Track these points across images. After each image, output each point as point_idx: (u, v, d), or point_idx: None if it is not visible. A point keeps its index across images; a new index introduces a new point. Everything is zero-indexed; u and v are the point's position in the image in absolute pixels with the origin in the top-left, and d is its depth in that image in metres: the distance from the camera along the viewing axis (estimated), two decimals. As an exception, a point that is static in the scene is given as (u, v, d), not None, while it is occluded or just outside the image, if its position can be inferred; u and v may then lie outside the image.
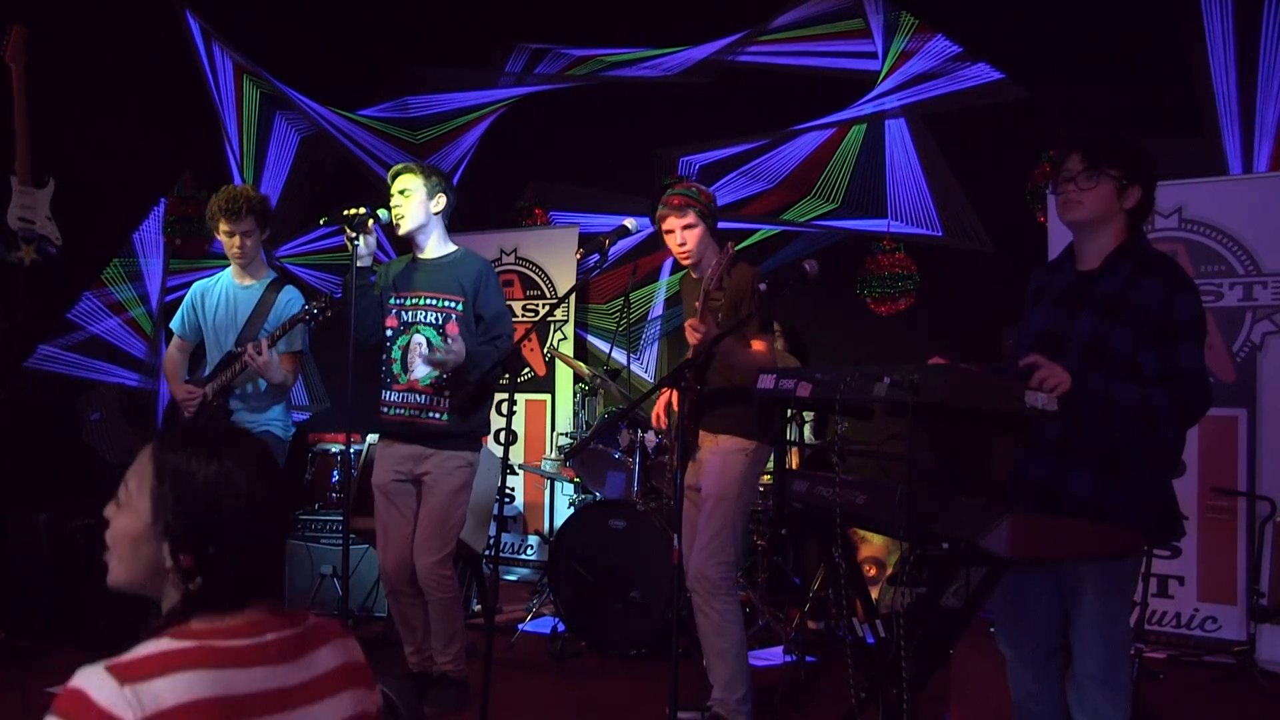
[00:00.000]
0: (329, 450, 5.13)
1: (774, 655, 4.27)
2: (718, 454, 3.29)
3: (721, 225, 3.46)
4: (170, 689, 1.10)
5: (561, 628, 4.38)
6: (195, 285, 3.84)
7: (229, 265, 3.78)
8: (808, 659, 4.10)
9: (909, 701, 2.11)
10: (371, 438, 4.80)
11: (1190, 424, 2.29)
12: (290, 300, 3.69)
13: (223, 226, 3.62)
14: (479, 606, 4.82)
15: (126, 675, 1.10)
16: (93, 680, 1.09)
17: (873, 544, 4.58)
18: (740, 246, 3.13)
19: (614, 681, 4.00)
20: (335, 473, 5.07)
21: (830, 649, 4.29)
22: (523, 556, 6.06)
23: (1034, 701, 2.44)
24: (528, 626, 4.62)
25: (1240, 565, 4.43)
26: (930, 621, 2.25)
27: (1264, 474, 4.42)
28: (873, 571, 4.53)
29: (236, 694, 1.15)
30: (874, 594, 4.40)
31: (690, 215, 3.29)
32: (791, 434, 3.38)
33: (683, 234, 3.30)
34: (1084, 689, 2.29)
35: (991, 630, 2.52)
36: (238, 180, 6.49)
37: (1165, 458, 2.33)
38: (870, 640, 2.52)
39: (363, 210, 3.34)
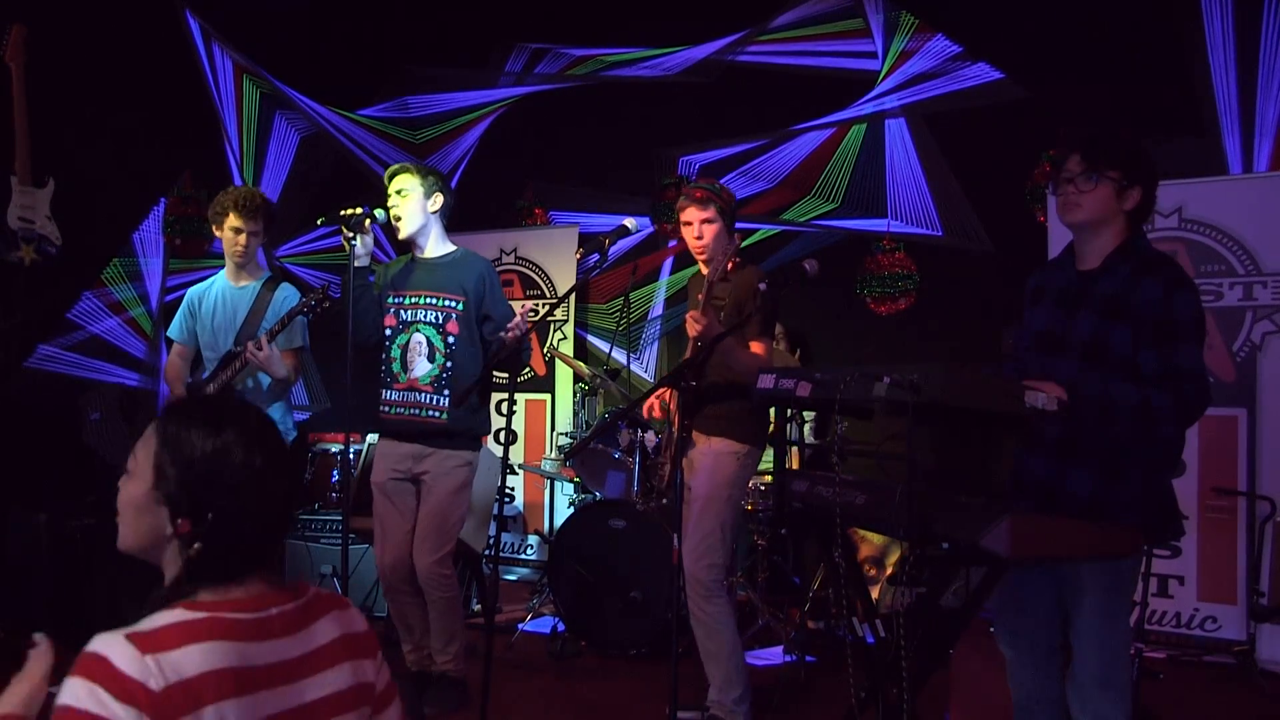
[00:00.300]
0: (329, 450, 5.13)
1: (774, 655, 4.27)
2: (709, 455, 3.28)
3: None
4: (189, 660, 1.13)
5: (561, 628, 4.38)
6: (190, 291, 3.82)
7: (223, 268, 3.77)
8: (808, 659, 4.09)
9: (909, 701, 2.11)
10: (371, 438, 4.80)
11: (1189, 423, 2.28)
12: (287, 297, 3.69)
13: (233, 221, 3.61)
14: (479, 606, 4.82)
15: (147, 645, 1.12)
16: (114, 647, 1.11)
17: (873, 544, 4.58)
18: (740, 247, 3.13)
19: (614, 681, 4.00)
20: (335, 473, 5.07)
21: (830, 649, 4.28)
22: (523, 556, 6.06)
23: (1034, 701, 2.44)
24: (528, 626, 4.61)
25: (1240, 565, 4.43)
26: (930, 621, 2.25)
27: (1264, 474, 4.42)
28: (873, 571, 4.53)
29: (249, 666, 1.18)
30: (874, 594, 4.40)
31: (711, 210, 3.28)
32: (791, 433, 3.38)
33: (700, 227, 3.29)
34: (1084, 689, 2.29)
35: (991, 630, 2.52)
36: (238, 180, 6.50)
37: (1165, 457, 2.32)
38: (870, 640, 2.52)
39: (360, 210, 3.33)
